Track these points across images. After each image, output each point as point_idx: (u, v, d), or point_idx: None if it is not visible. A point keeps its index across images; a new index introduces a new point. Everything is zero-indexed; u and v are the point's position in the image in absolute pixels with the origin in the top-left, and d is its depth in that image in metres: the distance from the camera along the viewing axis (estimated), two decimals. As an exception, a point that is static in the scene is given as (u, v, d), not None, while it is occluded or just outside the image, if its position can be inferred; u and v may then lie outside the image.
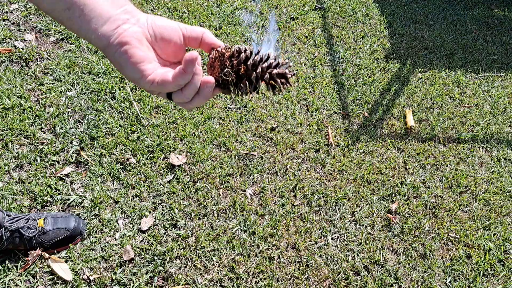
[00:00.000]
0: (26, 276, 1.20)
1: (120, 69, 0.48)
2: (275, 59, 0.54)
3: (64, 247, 1.26)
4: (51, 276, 1.21)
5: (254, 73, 0.52)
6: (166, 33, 0.50)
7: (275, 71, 0.54)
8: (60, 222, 1.24)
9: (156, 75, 0.48)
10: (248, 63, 0.52)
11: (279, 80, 0.54)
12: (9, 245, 1.19)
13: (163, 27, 0.50)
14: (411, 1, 2.71)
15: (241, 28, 2.21)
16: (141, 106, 1.73)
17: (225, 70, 0.51)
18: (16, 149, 1.49)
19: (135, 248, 1.31)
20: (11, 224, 1.18)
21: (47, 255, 1.22)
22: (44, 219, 1.23)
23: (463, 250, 1.45)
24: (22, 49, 1.85)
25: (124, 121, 1.66)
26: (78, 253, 1.27)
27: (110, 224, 1.35)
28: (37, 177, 1.42)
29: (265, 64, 0.53)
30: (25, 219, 1.21)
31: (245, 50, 0.52)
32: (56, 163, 1.48)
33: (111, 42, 0.47)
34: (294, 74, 0.56)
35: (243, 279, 1.29)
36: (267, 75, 0.53)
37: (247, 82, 0.52)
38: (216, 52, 0.52)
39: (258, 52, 0.53)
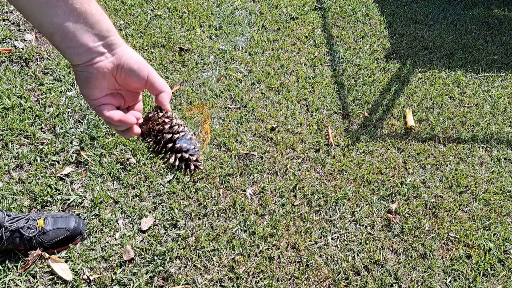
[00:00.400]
0: (26, 276, 1.20)
1: (78, 82, 0.56)
2: (189, 150, 0.66)
3: (64, 247, 1.26)
4: (51, 276, 1.21)
5: (169, 154, 0.65)
6: (133, 74, 0.57)
7: (183, 160, 0.66)
8: (60, 222, 1.24)
9: (97, 103, 0.57)
10: (168, 146, 0.63)
11: (184, 164, 0.66)
12: (9, 245, 1.19)
13: (133, 70, 0.57)
14: (411, 1, 2.71)
15: (241, 28, 2.21)
16: (141, 106, 1.73)
17: (148, 140, 0.63)
18: (16, 149, 1.49)
19: (135, 248, 1.31)
20: (11, 224, 1.18)
21: (47, 255, 1.22)
22: (44, 219, 1.23)
23: (463, 250, 1.45)
24: (22, 49, 1.85)
25: (124, 121, 1.66)
26: (78, 253, 1.27)
27: (110, 224, 1.35)
28: (37, 177, 1.42)
29: (179, 154, 0.65)
30: (25, 219, 1.21)
31: (175, 132, 0.64)
32: (56, 163, 1.48)
33: (81, 66, 0.54)
34: (198, 167, 0.67)
35: (243, 279, 1.29)
36: (178, 157, 0.65)
37: (160, 154, 0.65)
38: (154, 116, 0.63)
39: (183, 136, 0.65)
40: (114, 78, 0.57)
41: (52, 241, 1.23)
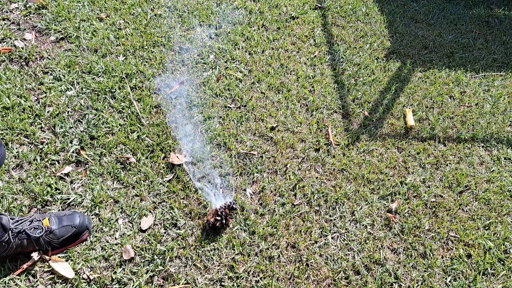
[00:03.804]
0: (26, 275, 1.20)
1: None
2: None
3: (73, 243, 1.26)
4: (51, 276, 1.21)
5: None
6: None
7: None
8: (65, 220, 1.24)
9: None
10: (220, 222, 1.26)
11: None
12: (17, 248, 1.17)
13: None
14: (411, 0, 2.71)
15: (241, 27, 2.21)
16: (141, 105, 1.73)
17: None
18: (16, 148, 1.49)
19: (135, 247, 1.31)
20: (16, 227, 1.17)
21: (47, 257, 1.22)
22: (48, 219, 1.22)
23: (463, 249, 1.45)
24: (22, 48, 1.85)
25: (124, 120, 1.66)
26: (78, 253, 1.27)
27: (110, 223, 1.35)
28: (37, 177, 1.42)
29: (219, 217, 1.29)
30: (29, 221, 1.20)
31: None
32: (56, 163, 1.48)
33: None
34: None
35: (243, 278, 1.29)
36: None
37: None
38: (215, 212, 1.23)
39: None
40: None
41: (60, 239, 1.22)
